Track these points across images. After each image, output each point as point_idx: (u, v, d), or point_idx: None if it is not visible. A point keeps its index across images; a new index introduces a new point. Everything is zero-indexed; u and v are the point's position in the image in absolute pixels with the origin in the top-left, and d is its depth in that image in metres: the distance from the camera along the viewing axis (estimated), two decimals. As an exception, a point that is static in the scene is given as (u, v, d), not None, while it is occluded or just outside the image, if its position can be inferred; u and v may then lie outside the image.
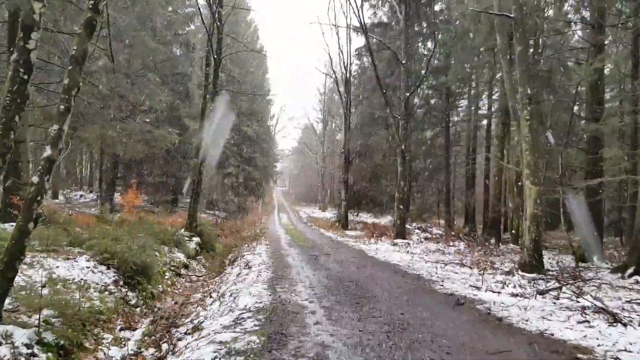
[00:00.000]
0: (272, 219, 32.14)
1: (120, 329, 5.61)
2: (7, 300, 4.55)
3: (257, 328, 4.52)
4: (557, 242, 17.27)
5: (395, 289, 7.06)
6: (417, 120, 24.48)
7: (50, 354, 4.00)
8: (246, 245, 14.74)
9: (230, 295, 6.49)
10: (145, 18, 15.81)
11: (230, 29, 22.35)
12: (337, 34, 22.99)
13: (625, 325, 5.05)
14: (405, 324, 4.95)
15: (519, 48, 9.85)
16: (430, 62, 16.99)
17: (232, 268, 10.23)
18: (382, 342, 4.17)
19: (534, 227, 9.24)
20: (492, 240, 16.94)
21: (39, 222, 4.20)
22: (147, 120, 18.98)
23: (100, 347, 4.77)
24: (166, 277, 9.06)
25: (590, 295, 6.52)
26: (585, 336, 4.67)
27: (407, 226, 18.29)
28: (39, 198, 3.89)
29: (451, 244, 15.72)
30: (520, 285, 7.96)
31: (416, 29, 22.92)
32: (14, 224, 9.03)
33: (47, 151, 3.97)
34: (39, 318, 4.19)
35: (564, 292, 7.05)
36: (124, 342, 5.08)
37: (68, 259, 7.04)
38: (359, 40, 53.26)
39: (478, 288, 7.43)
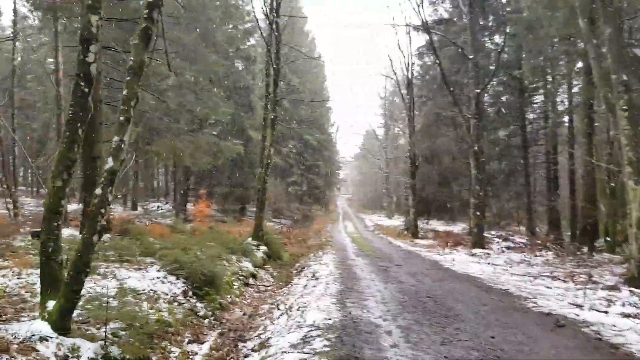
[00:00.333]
0: (337, 227, 31.79)
1: (188, 342, 5.44)
2: (78, 312, 4.55)
3: (327, 349, 4.08)
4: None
5: (480, 306, 6.30)
6: (488, 120, 22.89)
7: (114, 369, 3.89)
8: (312, 254, 14.46)
9: (298, 309, 6.12)
10: (208, 35, 16.30)
11: (288, 39, 22.50)
12: (396, 34, 22.25)
13: None
14: (498, 349, 4.26)
15: (609, 30, 8.65)
16: (500, 55, 15.70)
17: (299, 278, 9.93)
18: (474, 373, 3.55)
19: (642, 235, 7.96)
20: (585, 249, 15.19)
21: (104, 234, 4.12)
22: (214, 133, 19.54)
23: (167, 361, 4.58)
24: (234, 287, 8.92)
25: None
26: None
27: (485, 234, 16.97)
28: (102, 210, 3.79)
29: (537, 253, 14.22)
30: (630, 304, 6.81)
31: (481, 22, 21.54)
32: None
33: (109, 163, 3.89)
34: (105, 331, 4.07)
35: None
36: (191, 357, 4.88)
37: (139, 269, 7.10)
38: (419, 40, 51.76)
39: (579, 306, 6.42)
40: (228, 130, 23.12)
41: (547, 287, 8.18)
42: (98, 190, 3.80)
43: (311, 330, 4.78)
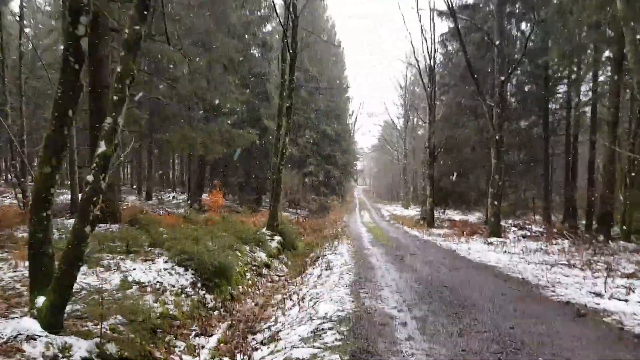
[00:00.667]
0: (353, 217, 31.56)
1: (195, 335, 5.33)
2: (76, 307, 4.43)
3: (339, 343, 3.91)
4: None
5: (497, 295, 6.05)
6: (510, 109, 22.31)
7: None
8: (327, 244, 14.29)
9: (310, 300, 5.97)
10: (223, 19, 16.05)
11: (307, 25, 22.15)
12: (420, 19, 21.76)
13: None
14: (519, 341, 4.03)
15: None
16: (528, 41, 15.08)
17: (313, 268, 9.78)
18: (494, 369, 3.34)
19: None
20: (601, 237, 14.79)
21: (97, 224, 3.91)
22: (229, 122, 19.44)
23: (171, 355, 4.47)
24: (247, 277, 8.84)
25: None
26: None
27: (502, 223, 16.60)
28: (94, 199, 3.57)
29: (554, 242, 13.89)
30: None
31: (508, 9, 20.88)
32: (102, 226, 9.42)
33: (102, 147, 3.63)
34: (101, 327, 3.91)
35: None
36: (197, 351, 4.75)
37: (146, 260, 7.03)
38: (442, 27, 50.63)
39: (599, 295, 6.14)
40: (243, 119, 23.01)
41: (565, 276, 7.88)
42: (90, 177, 3.58)
43: (323, 323, 4.62)
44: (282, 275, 10.33)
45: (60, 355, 3.36)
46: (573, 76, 22.68)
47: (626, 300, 5.83)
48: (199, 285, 6.86)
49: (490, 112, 15.14)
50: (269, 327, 5.42)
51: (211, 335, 5.52)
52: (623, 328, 4.52)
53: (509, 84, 20.74)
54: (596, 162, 21.54)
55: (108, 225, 9.90)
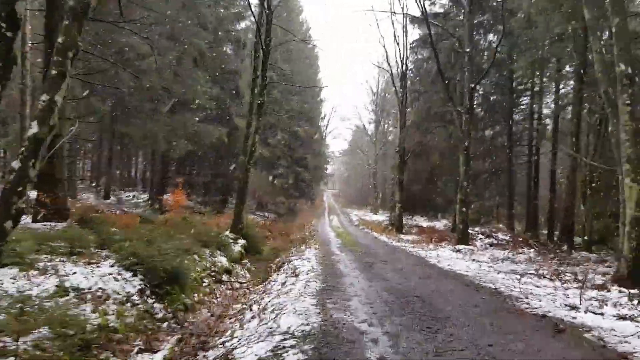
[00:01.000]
0: (322, 221, 31.15)
1: (138, 351, 4.69)
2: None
3: (301, 365, 3.40)
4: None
5: (471, 307, 5.70)
6: (477, 119, 22.58)
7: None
8: (294, 248, 13.77)
9: (272, 312, 5.43)
10: (194, 9, 15.29)
11: (283, 25, 21.60)
12: (393, 24, 21.64)
13: None
14: (500, 363, 3.64)
15: (616, 20, 8.16)
16: (497, 50, 15.14)
17: (277, 275, 9.23)
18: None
19: (635, 234, 7.50)
20: (564, 247, 15.03)
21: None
22: (197, 118, 18.62)
23: (104, 378, 3.84)
24: (204, 284, 8.20)
25: None
26: None
27: (469, 231, 16.59)
28: (19, 189, 2.98)
29: (520, 251, 14.00)
30: (622, 304, 6.40)
31: (477, 19, 21.13)
32: (47, 223, 8.57)
33: (33, 128, 3.04)
34: (17, 344, 3.27)
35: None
36: (137, 371, 4.14)
37: (90, 263, 6.30)
38: (414, 35, 51.09)
39: (574, 308, 5.90)
40: (212, 116, 22.17)
41: (537, 286, 7.69)
42: (16, 163, 2.98)
43: (284, 339, 4.10)
44: (245, 282, 9.73)
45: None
46: (536, 88, 23.31)
47: (602, 314, 5.62)
48: (147, 292, 6.19)
49: (459, 119, 15.09)
50: (223, 343, 4.84)
51: (157, 351, 4.89)
52: (605, 346, 4.23)
53: (475, 94, 20.98)
54: (557, 173, 22.09)
55: (54, 223, 9.03)
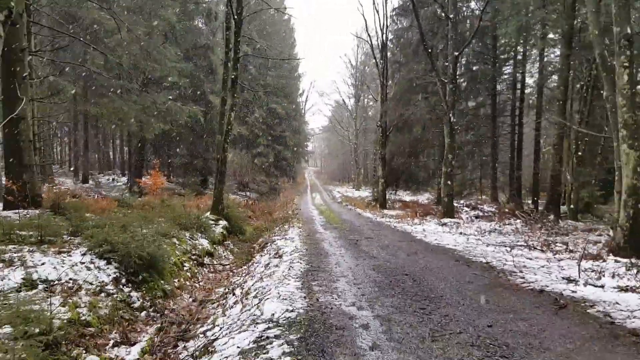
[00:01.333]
0: (304, 199, 30.87)
1: (114, 345, 4.33)
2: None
3: (287, 359, 3.08)
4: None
5: (464, 284, 5.48)
6: (459, 90, 22.29)
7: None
8: (277, 228, 13.46)
9: (255, 296, 5.10)
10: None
11: (258, 4, 20.65)
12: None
13: None
14: (502, 345, 3.40)
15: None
16: (482, 15, 14.68)
17: (261, 256, 8.91)
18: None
19: (632, 202, 7.35)
20: (551, 217, 15.03)
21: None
22: (170, 97, 17.84)
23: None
24: (185, 268, 7.81)
25: None
26: None
27: (454, 203, 16.49)
28: None
29: (506, 222, 13.92)
30: (620, 275, 6.26)
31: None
32: (18, 211, 7.99)
33: None
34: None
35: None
36: (111, 367, 3.78)
37: (61, 252, 5.84)
38: (394, 2, 49.93)
39: (573, 281, 5.74)
40: (186, 94, 21.34)
41: (529, 259, 7.57)
42: None
43: (268, 328, 3.78)
44: (227, 264, 9.38)
45: None
46: (519, 57, 23.08)
47: (602, 287, 5.45)
48: (123, 281, 5.77)
49: (443, 89, 14.74)
50: (204, 333, 4.50)
51: (134, 343, 4.54)
52: (614, 322, 4.02)
53: (457, 64, 20.61)
54: (541, 143, 22.16)
55: (25, 211, 8.44)
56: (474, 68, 23.90)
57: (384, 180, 21.86)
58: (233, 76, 12.58)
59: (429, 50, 14.56)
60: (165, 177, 26.05)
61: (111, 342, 4.40)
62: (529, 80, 24.54)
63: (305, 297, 4.72)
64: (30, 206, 8.67)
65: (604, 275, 6.24)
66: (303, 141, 48.79)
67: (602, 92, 15.18)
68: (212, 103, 21.55)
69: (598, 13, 8.37)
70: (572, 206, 15.41)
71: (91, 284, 5.26)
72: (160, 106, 11.72)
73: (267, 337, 3.53)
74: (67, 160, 39.01)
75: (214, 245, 10.34)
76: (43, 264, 5.24)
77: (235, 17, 12.29)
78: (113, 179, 28.68)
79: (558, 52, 19.71)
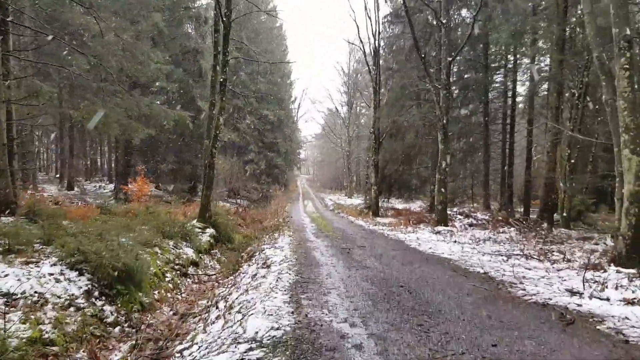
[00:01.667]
0: (296, 207, 30.45)
1: (80, 367, 3.91)
2: None
3: (269, 387, 2.70)
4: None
5: (463, 296, 5.13)
6: (452, 97, 22.14)
7: None
8: (267, 236, 13.03)
9: (239, 312, 4.70)
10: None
11: (247, 7, 20.36)
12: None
13: None
14: (510, 368, 3.04)
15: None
16: (475, 21, 14.51)
17: (248, 265, 8.48)
18: None
19: (635, 210, 7.07)
20: (544, 225, 14.81)
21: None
22: (158, 102, 17.43)
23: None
24: (167, 279, 7.38)
25: None
26: None
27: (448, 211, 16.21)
28: None
29: (500, 230, 13.66)
30: (623, 287, 5.94)
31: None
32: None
33: None
34: None
35: None
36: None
37: (28, 263, 5.40)
38: (386, 9, 49.98)
39: (577, 293, 5.40)
40: (176, 99, 20.93)
41: (527, 269, 7.24)
42: None
43: (250, 349, 3.39)
44: (213, 274, 8.95)
45: None
46: (509, 65, 23.05)
47: (607, 299, 5.13)
48: (95, 294, 5.35)
49: (437, 95, 14.52)
50: (181, 352, 4.09)
51: (104, 364, 4.13)
52: (628, 341, 3.69)
53: (451, 70, 20.47)
54: (533, 151, 22.01)
55: (-4, 218, 7.96)
56: (466, 76, 23.83)
57: (376, 188, 21.56)
58: (222, 79, 12.23)
59: (423, 55, 14.34)
60: (154, 184, 25.53)
61: (78, 363, 3.98)
62: (520, 89, 24.58)
63: (293, 313, 4.33)
64: (2, 213, 8.20)
65: (607, 287, 5.92)
66: (295, 148, 48.47)
67: (589, 101, 15.17)
68: (201, 108, 21.14)
69: (594, 15, 8.17)
70: (565, 214, 15.19)
71: (59, 297, 4.84)
72: (144, 109, 11.28)
73: (249, 360, 3.14)
74: (52, 166, 38.29)
75: (200, 255, 9.91)
76: (6, 275, 4.82)
77: (224, 19, 11.97)
78: (100, 186, 28.05)
79: (548, 62, 19.76)
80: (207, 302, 6.35)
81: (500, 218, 15.88)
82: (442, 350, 3.36)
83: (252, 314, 4.34)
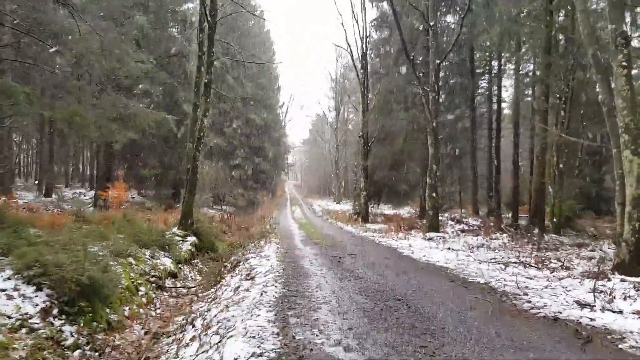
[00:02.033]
0: (284, 213, 29.85)
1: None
2: None
3: None
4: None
5: (466, 311, 4.65)
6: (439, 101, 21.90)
7: None
8: (253, 244, 12.45)
9: (216, 333, 4.14)
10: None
11: (234, 8, 19.86)
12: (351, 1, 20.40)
13: None
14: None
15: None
16: (463, 22, 14.21)
17: (231, 277, 7.91)
18: None
19: (638, 214, 6.71)
20: (535, 231, 14.50)
21: None
22: (142, 105, 16.75)
23: None
24: (140, 293, 6.76)
25: None
26: None
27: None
28: None
29: (493, 236, 13.29)
30: (631, 297, 5.57)
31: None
32: None
33: None
34: None
35: None
36: None
37: (-24, 277, 4.78)
38: (372, 14, 49.82)
39: (587, 306, 4.98)
40: (161, 103, 20.23)
41: (528, 278, 6.82)
42: None
43: (225, 383, 2.85)
44: (193, 287, 8.34)
45: None
46: (494, 72, 22.96)
47: (620, 312, 4.73)
48: (54, 312, 4.73)
49: (426, 98, 14.16)
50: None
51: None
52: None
53: (439, 73, 20.21)
54: (520, 156, 21.85)
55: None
56: (452, 81, 23.64)
57: (366, 193, 21.10)
58: (206, 80, 11.68)
59: (411, 58, 13.99)
60: (136, 190, 24.71)
61: (23, 398, 3.38)
62: (504, 95, 24.55)
63: (278, 334, 3.78)
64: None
65: (614, 298, 5.54)
66: (283, 153, 47.92)
67: (565, 108, 14.98)
68: (187, 112, 20.50)
69: (588, 12, 7.87)
70: (554, 220, 14.90)
71: (9, 317, 4.23)
72: (122, 109, 10.63)
73: (222, 399, 2.60)
74: (32, 172, 37.12)
75: (179, 265, 9.29)
76: (-52, 293, 4.19)
77: (209, 18, 11.46)
78: (80, 193, 27.11)
79: (531, 67, 19.67)
80: (183, 319, 5.77)
81: (492, 224, 15.52)
82: (453, 381, 2.86)
83: (231, 336, 3.79)
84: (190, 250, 10.48)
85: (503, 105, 23.81)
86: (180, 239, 10.56)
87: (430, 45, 14.28)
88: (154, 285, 7.34)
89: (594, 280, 6.02)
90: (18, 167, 36.82)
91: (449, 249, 10.61)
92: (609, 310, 4.84)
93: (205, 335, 4.23)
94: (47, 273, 4.90)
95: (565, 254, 9.54)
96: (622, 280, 6.58)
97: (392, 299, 5.14)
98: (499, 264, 8.16)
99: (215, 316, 4.83)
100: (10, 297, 4.51)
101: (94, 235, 7.63)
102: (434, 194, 14.12)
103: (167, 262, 8.60)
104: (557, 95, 15.30)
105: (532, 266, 7.96)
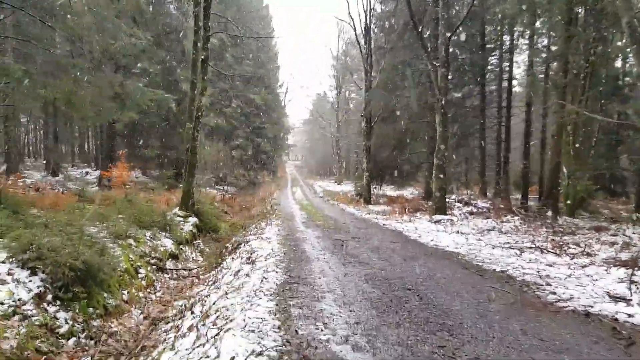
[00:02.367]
0: (285, 194, 29.55)
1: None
2: None
3: None
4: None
5: (485, 303, 4.35)
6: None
7: None
8: (254, 225, 12.18)
9: (214, 323, 3.86)
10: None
11: None
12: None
13: None
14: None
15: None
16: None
17: (232, 259, 7.64)
18: None
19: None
20: (549, 213, 14.11)
21: None
22: (140, 84, 16.29)
23: None
24: (140, 275, 6.51)
25: None
26: None
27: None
28: None
29: (503, 219, 12.89)
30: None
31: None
32: None
33: None
34: None
35: None
36: None
37: (-35, 262, 4.50)
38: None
39: (621, 299, 4.58)
40: (159, 82, 19.75)
41: (548, 265, 6.40)
42: None
43: (223, 386, 2.56)
44: (195, 268, 8.11)
45: None
46: (505, 47, 22.17)
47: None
48: (49, 298, 4.47)
49: (435, 73, 13.62)
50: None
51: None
52: None
53: (442, 52, 19.52)
54: (531, 135, 21.28)
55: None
56: (460, 58, 22.88)
57: (368, 174, 20.72)
58: (203, 56, 11.22)
59: (419, 30, 13.38)
60: (140, 171, 24.42)
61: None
62: (515, 72, 23.73)
63: (279, 328, 3.50)
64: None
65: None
66: (283, 133, 47.38)
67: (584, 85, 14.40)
68: (186, 92, 20.03)
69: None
70: (568, 201, 14.52)
71: (2, 303, 3.97)
72: (118, 88, 10.20)
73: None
74: (38, 152, 36.79)
75: (181, 246, 9.04)
76: None
77: (205, -10, 10.94)
78: (86, 172, 26.85)
79: (546, 42, 18.96)
80: (183, 305, 5.51)
81: (502, 206, 15.15)
82: (478, 386, 2.56)
83: (229, 329, 3.50)
84: (191, 231, 10.23)
85: (514, 82, 23.12)
86: (181, 219, 10.31)
87: (441, 17, 13.66)
88: (154, 267, 7.10)
89: (629, 269, 5.63)
90: (27, 147, 36.62)
91: (457, 232, 10.29)
92: (645, 305, 4.51)
93: (203, 324, 3.95)
94: (42, 257, 4.62)
95: (583, 239, 9.13)
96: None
97: (401, 289, 4.84)
98: (513, 249, 7.83)
99: (214, 303, 4.56)
100: (3, 282, 4.25)
101: (95, 216, 7.35)
102: (441, 175, 13.72)
103: (168, 243, 8.35)
104: (575, 72, 14.72)
105: (549, 252, 7.60)
